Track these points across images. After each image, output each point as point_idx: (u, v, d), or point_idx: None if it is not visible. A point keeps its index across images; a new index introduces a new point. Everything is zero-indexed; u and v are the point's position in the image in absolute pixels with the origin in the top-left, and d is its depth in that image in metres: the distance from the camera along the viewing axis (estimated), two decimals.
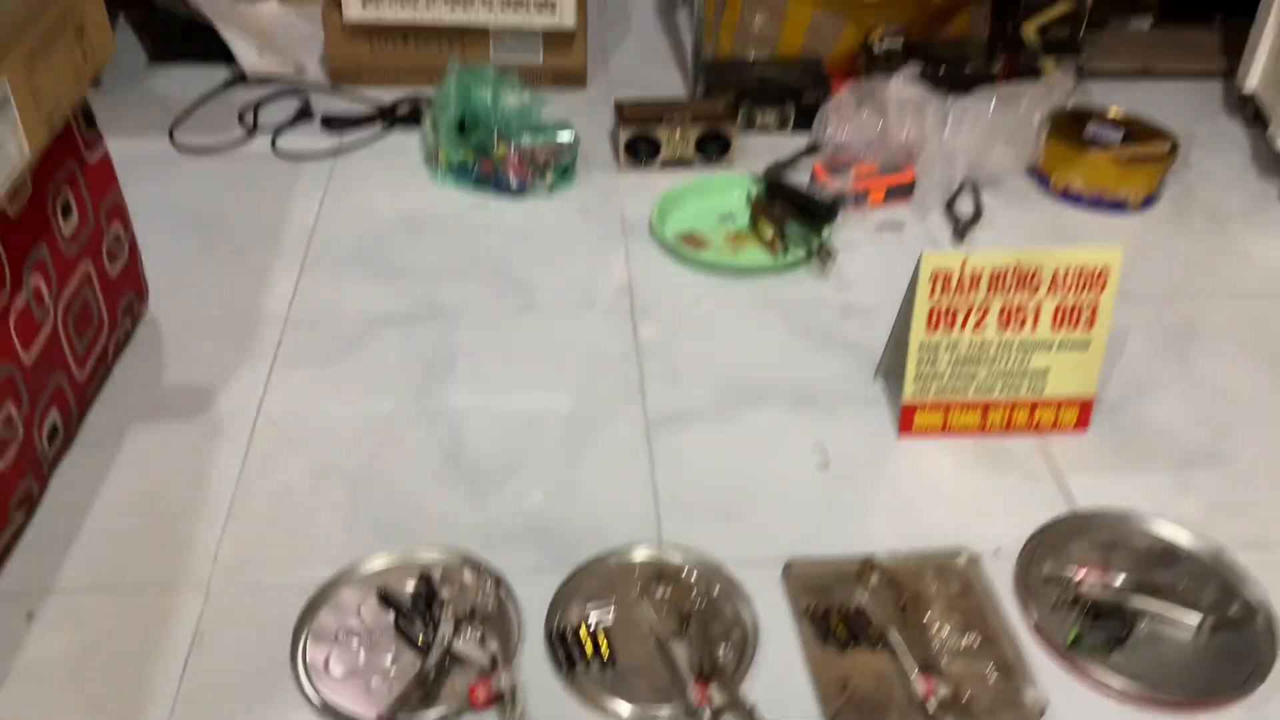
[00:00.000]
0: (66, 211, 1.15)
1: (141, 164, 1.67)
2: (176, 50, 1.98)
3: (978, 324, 1.20)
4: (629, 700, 0.95)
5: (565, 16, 1.86)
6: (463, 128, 1.67)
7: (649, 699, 0.95)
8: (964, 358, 1.21)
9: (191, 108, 1.86)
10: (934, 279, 1.17)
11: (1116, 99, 1.93)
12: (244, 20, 2.08)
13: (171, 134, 1.79)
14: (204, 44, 1.94)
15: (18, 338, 1.05)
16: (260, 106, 1.86)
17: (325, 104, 1.89)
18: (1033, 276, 1.18)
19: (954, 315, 1.19)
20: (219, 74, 1.95)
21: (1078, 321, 1.20)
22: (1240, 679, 0.98)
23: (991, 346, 1.21)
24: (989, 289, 1.18)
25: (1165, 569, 1.08)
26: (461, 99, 1.66)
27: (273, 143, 1.77)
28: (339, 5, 1.87)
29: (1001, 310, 1.19)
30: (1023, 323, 1.20)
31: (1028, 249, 1.18)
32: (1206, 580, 1.07)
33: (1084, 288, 1.18)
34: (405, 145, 1.79)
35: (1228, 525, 1.13)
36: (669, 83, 2.01)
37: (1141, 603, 1.04)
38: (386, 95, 1.89)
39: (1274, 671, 0.99)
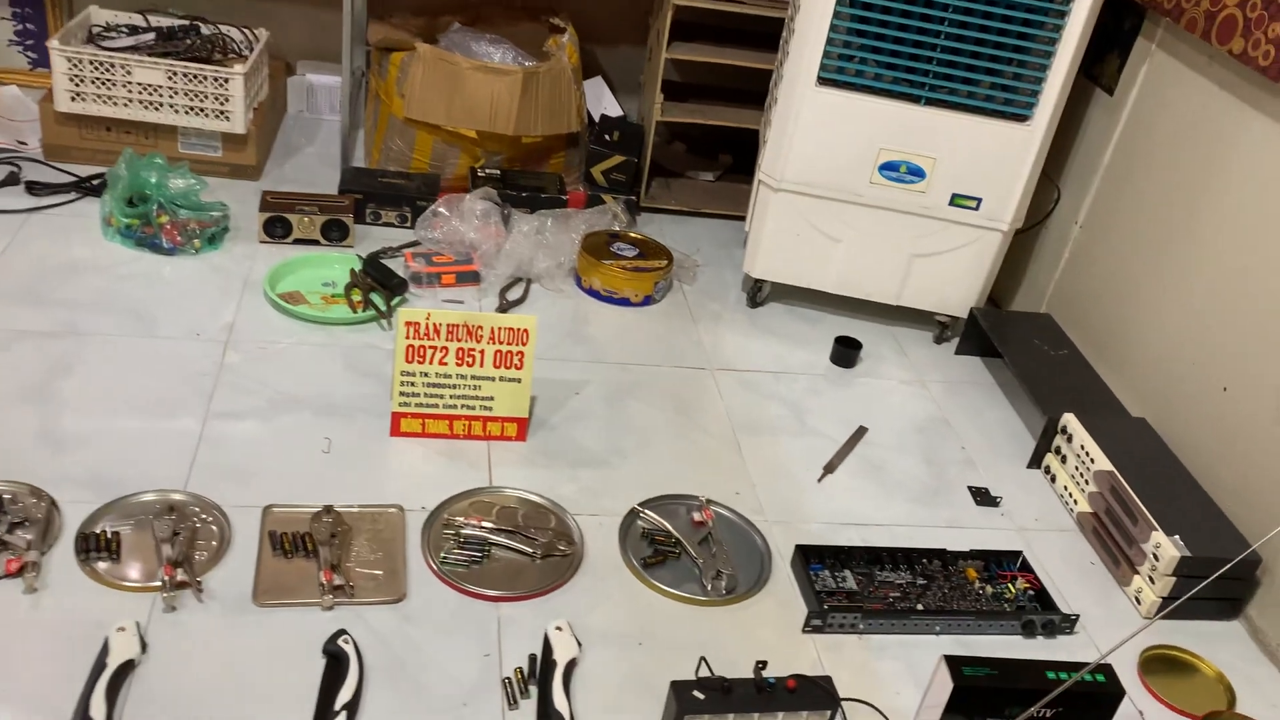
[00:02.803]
0: None
1: None
2: None
3: (441, 360, 1.75)
4: (125, 579, 1.42)
5: (237, 124, 2.38)
6: (132, 201, 2.15)
7: (139, 579, 1.42)
8: (433, 383, 1.76)
9: None
10: (409, 325, 1.72)
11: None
12: None
13: None
14: None
15: None
16: None
17: (37, 173, 2.33)
18: (478, 329, 1.74)
19: (425, 352, 1.74)
20: None
21: (511, 364, 1.77)
22: (558, 579, 1.53)
23: (453, 377, 1.76)
24: (448, 336, 1.74)
25: (525, 521, 1.63)
26: (130, 178, 2.14)
27: None
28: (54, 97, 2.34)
29: (458, 351, 1.75)
30: (472, 362, 1.76)
31: (473, 313, 1.74)
32: (548, 529, 1.63)
33: (514, 341, 1.76)
34: (91, 210, 2.25)
35: (588, 502, 1.70)
36: (329, 182, 2.54)
37: (499, 539, 1.58)
38: (88, 171, 2.36)
39: (574, 575, 1.55)
